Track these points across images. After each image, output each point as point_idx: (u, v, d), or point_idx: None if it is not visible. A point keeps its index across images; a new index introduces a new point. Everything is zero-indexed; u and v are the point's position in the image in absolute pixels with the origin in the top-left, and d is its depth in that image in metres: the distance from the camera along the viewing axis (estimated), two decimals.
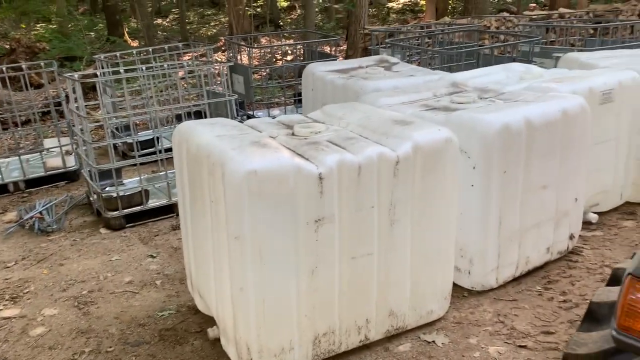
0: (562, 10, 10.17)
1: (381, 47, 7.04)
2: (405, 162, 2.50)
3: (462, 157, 2.89)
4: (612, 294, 1.45)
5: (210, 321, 2.82)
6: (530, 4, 20.42)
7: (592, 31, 7.84)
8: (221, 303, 2.52)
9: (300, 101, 6.73)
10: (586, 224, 3.79)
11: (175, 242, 4.04)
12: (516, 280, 3.24)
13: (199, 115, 5.54)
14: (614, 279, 1.57)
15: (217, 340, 2.68)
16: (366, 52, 8.56)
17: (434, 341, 2.75)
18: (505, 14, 10.10)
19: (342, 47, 12.24)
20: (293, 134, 2.70)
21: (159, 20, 20.48)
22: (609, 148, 3.91)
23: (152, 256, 3.84)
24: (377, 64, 5.07)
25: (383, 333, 2.72)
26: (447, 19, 9.35)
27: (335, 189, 2.35)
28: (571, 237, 3.46)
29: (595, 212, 3.95)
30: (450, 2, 18.74)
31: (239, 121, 3.05)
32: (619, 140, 3.94)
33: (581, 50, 5.95)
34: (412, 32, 7.58)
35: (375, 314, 2.65)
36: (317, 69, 4.88)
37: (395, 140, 2.54)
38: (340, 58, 9.64)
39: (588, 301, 3.03)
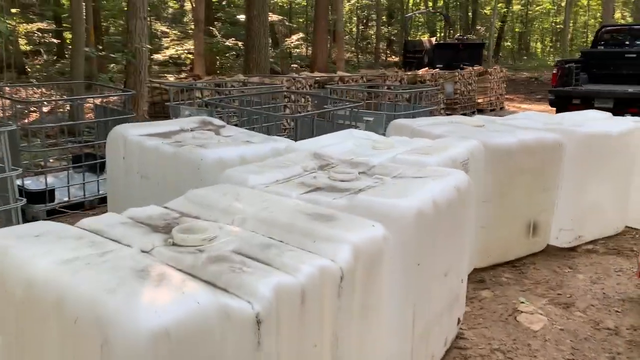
0: (340, 73, 10.75)
1: (181, 104, 6.25)
2: (349, 275, 1.85)
3: None
4: None
5: None
6: (292, 64, 21.71)
7: (366, 94, 8.32)
8: None
9: (82, 166, 5.51)
10: None
11: None
12: None
13: None
14: None
15: None
16: (154, 108, 7.66)
17: None
18: (295, 74, 10.24)
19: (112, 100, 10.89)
20: (174, 244, 1.82)
21: None
22: None
23: None
24: (201, 126, 4.30)
25: None
26: (241, 77, 9.00)
27: (273, 333, 1.57)
28: (458, 321, 3.20)
29: None
30: (219, 57, 18.73)
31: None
32: None
33: (389, 114, 6.10)
34: (207, 88, 6.97)
35: None
36: (130, 132, 3.88)
37: (328, 246, 1.88)
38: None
39: None
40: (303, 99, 8.65)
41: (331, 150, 3.59)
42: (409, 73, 12.47)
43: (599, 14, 42.18)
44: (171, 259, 1.69)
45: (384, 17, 34.88)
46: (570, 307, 3.66)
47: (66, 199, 5.27)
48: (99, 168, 5.46)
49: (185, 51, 18.63)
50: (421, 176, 2.92)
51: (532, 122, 5.05)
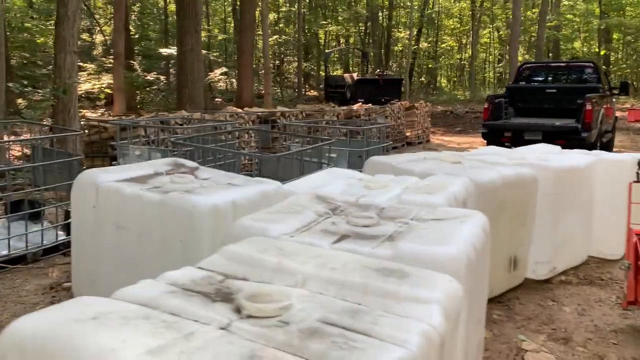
0: (280, 108, 10.63)
1: (130, 144, 5.81)
2: (446, 339, 1.66)
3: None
4: None
5: None
6: (215, 99, 21.36)
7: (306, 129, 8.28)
8: None
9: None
10: None
11: None
12: None
13: None
14: None
15: None
16: (92, 147, 7.07)
17: None
18: (234, 108, 9.96)
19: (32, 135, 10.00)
20: (250, 316, 1.55)
21: None
22: None
23: None
24: (175, 169, 3.96)
25: None
26: (184, 113, 8.59)
27: None
28: None
29: None
30: (139, 92, 17.98)
31: None
32: None
33: (353, 150, 6.03)
34: (153, 126, 6.56)
35: None
36: (102, 178, 3.48)
37: (417, 307, 1.68)
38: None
39: None
40: (246, 135, 8.41)
41: (329, 192, 3.41)
42: (344, 108, 12.60)
43: (497, 52, 45.72)
44: (259, 336, 1.43)
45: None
46: (570, 342, 3.66)
47: (5, 252, 4.65)
48: (42, 216, 4.89)
49: (103, 85, 17.73)
50: (441, 218, 2.80)
51: (499, 158, 5.15)
